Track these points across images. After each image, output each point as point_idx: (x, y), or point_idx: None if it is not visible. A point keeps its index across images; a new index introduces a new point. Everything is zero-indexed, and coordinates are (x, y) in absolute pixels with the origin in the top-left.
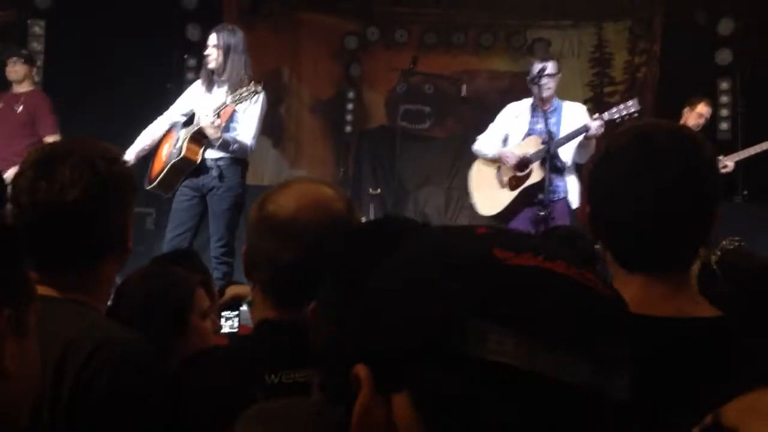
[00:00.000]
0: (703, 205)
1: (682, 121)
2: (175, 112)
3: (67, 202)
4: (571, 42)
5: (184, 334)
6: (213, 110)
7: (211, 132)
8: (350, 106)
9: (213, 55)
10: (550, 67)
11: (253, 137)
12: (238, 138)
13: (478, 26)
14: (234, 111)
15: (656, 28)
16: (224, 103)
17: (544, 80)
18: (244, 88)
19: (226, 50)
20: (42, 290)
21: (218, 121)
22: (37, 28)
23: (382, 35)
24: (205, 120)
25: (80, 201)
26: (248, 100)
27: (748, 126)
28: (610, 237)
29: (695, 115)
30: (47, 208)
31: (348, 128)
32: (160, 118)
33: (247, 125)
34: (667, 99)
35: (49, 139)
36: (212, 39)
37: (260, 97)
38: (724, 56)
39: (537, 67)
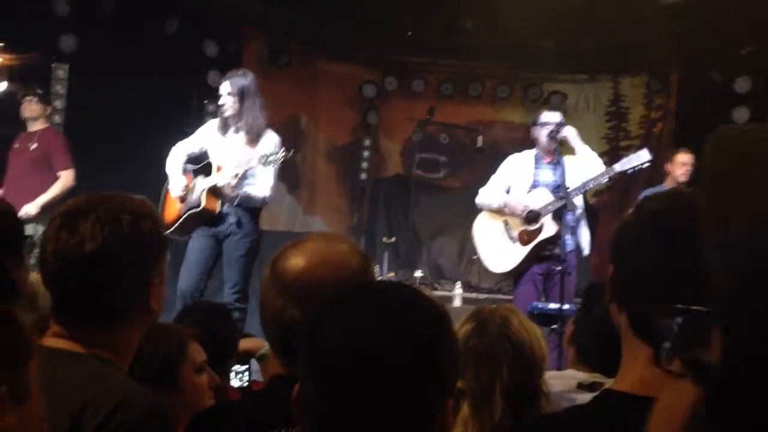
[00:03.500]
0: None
1: (669, 179)
2: (187, 148)
3: (84, 255)
4: (586, 96)
5: (177, 388)
6: (235, 172)
7: (227, 192)
8: (366, 154)
9: (229, 102)
10: (561, 118)
11: (271, 188)
12: (255, 195)
13: (494, 78)
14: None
15: (672, 84)
16: (251, 168)
17: (562, 132)
18: (273, 153)
19: (241, 95)
20: (64, 344)
21: (234, 181)
22: (61, 72)
23: (400, 85)
24: (223, 180)
25: (97, 254)
26: (274, 164)
27: None
28: (630, 303)
29: (678, 166)
30: (66, 259)
31: (363, 176)
32: (176, 151)
33: (264, 178)
34: None
35: (62, 173)
36: (225, 87)
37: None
38: (740, 114)
39: (552, 117)
